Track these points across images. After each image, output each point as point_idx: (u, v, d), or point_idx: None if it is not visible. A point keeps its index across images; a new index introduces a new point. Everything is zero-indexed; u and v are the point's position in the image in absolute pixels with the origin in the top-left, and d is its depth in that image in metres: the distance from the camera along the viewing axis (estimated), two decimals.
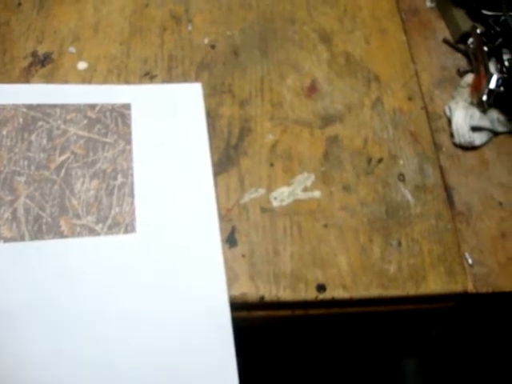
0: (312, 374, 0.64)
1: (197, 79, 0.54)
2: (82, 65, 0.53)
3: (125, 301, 0.42)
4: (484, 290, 0.47)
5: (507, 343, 0.63)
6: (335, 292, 0.45)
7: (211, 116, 0.52)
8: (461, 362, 0.66)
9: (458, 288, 0.47)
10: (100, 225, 0.45)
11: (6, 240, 0.43)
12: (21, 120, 0.49)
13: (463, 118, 0.55)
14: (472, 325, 0.59)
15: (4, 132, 0.48)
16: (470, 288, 0.47)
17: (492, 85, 0.54)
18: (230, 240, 0.46)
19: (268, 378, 0.59)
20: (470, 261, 0.49)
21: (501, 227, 0.51)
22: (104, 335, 0.40)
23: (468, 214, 0.51)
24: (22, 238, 0.43)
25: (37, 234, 0.44)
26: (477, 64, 0.57)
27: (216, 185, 0.48)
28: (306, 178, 0.50)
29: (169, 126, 0.51)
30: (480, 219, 0.51)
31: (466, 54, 0.60)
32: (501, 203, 0.52)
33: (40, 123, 0.49)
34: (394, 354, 0.66)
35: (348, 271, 0.46)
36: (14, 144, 0.48)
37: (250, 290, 0.44)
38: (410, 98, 0.57)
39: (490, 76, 0.55)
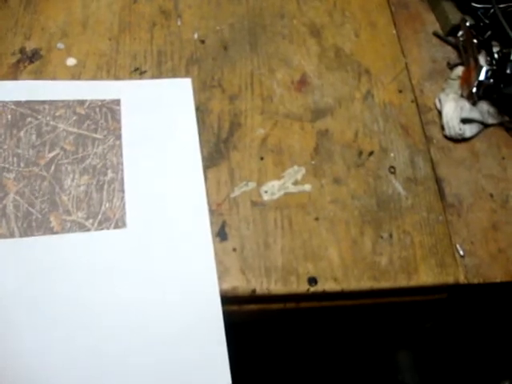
0: (305, 368, 0.64)
1: (186, 74, 0.54)
2: (70, 61, 0.53)
3: (115, 295, 0.41)
4: (475, 280, 0.48)
5: (499, 333, 0.63)
6: (326, 285, 0.45)
7: (201, 110, 0.52)
8: (454, 354, 0.66)
9: (449, 279, 0.47)
10: (90, 220, 0.45)
11: None
12: (9, 117, 0.48)
13: (453, 110, 0.55)
14: (464, 316, 0.60)
15: None
16: (462, 279, 0.47)
17: (482, 77, 0.55)
18: (220, 234, 0.46)
19: (260, 372, 0.59)
20: (461, 252, 0.49)
21: (492, 219, 0.51)
22: (95, 328, 0.40)
23: (459, 206, 0.51)
24: (11, 235, 0.43)
25: (27, 231, 0.43)
26: (466, 56, 0.58)
27: (206, 179, 0.48)
28: (297, 172, 0.50)
29: (159, 121, 0.50)
30: (471, 211, 0.51)
31: (455, 46, 0.60)
32: (491, 195, 0.52)
33: (29, 119, 0.49)
34: (387, 346, 0.66)
35: (339, 264, 0.46)
36: (2, 140, 0.47)
37: (242, 284, 0.44)
38: (400, 91, 0.57)
39: (479, 68, 0.55)
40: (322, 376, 0.65)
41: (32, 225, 0.44)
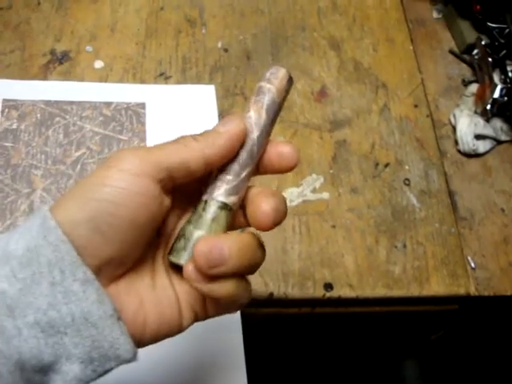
0: (314, 374, 0.64)
1: (210, 81, 0.55)
2: (98, 63, 0.54)
3: None
4: (486, 293, 0.49)
5: (508, 347, 0.64)
6: (342, 291, 0.46)
7: (223, 117, 0.53)
8: (461, 366, 0.67)
9: (460, 290, 0.48)
10: None
11: None
12: (39, 115, 0.50)
13: (467, 126, 0.56)
14: (473, 328, 0.61)
15: (22, 126, 0.49)
16: (473, 291, 0.49)
17: (496, 94, 0.56)
18: None
19: (271, 375, 0.60)
20: (472, 264, 0.50)
21: (503, 233, 0.52)
22: None
23: (471, 219, 0.53)
24: None
25: None
26: (481, 74, 0.59)
27: None
28: (315, 180, 0.51)
29: (182, 125, 0.52)
30: (482, 224, 0.53)
31: (470, 64, 0.62)
32: (503, 209, 0.54)
33: (57, 119, 0.50)
34: (395, 356, 0.67)
35: (355, 271, 0.47)
36: (31, 138, 0.49)
37: (259, 287, 0.45)
38: (416, 106, 0.58)
39: (494, 86, 0.57)
40: (331, 382, 0.66)
41: None
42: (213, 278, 0.24)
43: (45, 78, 0.52)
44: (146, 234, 0.24)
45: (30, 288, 0.21)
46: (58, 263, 0.21)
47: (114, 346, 0.21)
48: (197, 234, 0.25)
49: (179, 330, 0.26)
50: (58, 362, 0.21)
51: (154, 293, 0.25)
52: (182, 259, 0.25)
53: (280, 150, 0.27)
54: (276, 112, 0.29)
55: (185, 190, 0.27)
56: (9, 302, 0.20)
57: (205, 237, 0.25)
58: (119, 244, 0.23)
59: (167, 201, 0.25)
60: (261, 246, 0.26)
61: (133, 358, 0.22)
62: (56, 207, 0.23)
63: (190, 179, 0.25)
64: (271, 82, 0.28)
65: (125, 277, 0.25)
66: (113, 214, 0.22)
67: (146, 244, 0.25)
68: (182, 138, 0.26)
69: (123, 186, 0.23)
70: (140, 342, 0.24)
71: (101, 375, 0.22)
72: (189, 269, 0.24)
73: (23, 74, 0.51)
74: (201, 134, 0.26)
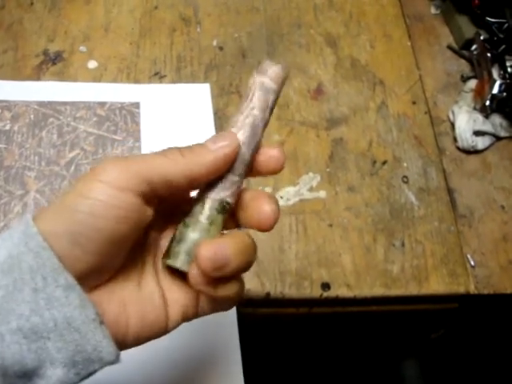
0: (312, 374, 0.64)
1: (205, 80, 0.55)
2: (92, 64, 0.54)
3: None
4: (486, 291, 0.48)
5: (508, 345, 0.63)
6: (339, 290, 0.45)
7: (219, 116, 0.53)
8: (462, 364, 0.66)
9: (460, 289, 0.48)
10: None
11: None
12: (32, 116, 0.49)
13: (466, 122, 0.56)
14: (473, 327, 0.60)
15: (15, 127, 0.49)
16: (472, 289, 0.48)
17: (495, 90, 0.55)
18: None
19: (268, 377, 0.60)
20: (472, 262, 0.49)
21: (502, 230, 0.52)
22: None
23: (470, 217, 0.52)
24: None
25: None
26: (480, 70, 0.58)
27: None
28: (312, 179, 0.51)
29: (177, 125, 0.51)
30: (482, 222, 0.52)
31: (469, 60, 0.61)
32: (503, 207, 0.53)
33: (51, 120, 0.50)
34: (395, 355, 0.66)
35: (352, 270, 0.47)
36: (25, 140, 0.48)
37: (256, 287, 0.44)
38: (414, 103, 0.58)
39: (493, 82, 0.56)
40: (330, 383, 0.66)
41: None
42: (217, 279, 0.24)
43: (38, 79, 0.51)
44: (126, 245, 0.24)
45: (12, 295, 0.21)
46: (39, 269, 0.21)
47: (97, 349, 0.21)
48: (194, 236, 0.26)
49: (164, 332, 0.26)
50: (42, 367, 0.21)
51: (138, 296, 0.25)
52: (180, 263, 0.25)
53: (268, 153, 0.27)
54: (272, 111, 0.28)
55: (170, 198, 0.26)
56: None
57: (206, 241, 0.25)
58: (98, 256, 0.23)
59: (149, 211, 0.24)
60: (255, 244, 0.26)
61: (116, 360, 0.22)
62: (39, 217, 0.22)
63: (174, 192, 0.25)
64: (273, 80, 0.27)
65: (107, 283, 0.25)
66: (92, 227, 0.22)
67: (128, 253, 0.25)
68: (169, 150, 0.25)
69: (102, 199, 0.22)
70: (122, 344, 0.24)
71: (84, 378, 0.22)
72: (194, 273, 0.24)
73: (16, 74, 0.51)
74: (189, 148, 0.25)
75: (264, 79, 0.27)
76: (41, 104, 0.50)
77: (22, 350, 0.20)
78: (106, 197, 0.22)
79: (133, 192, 0.23)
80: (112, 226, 0.23)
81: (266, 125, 0.28)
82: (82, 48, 0.54)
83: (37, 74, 0.52)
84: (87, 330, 0.21)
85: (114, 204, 0.22)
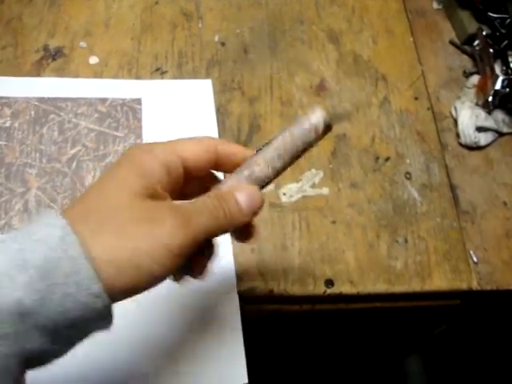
0: (316, 370, 0.64)
1: (207, 76, 0.54)
2: (93, 59, 0.53)
3: None
4: (488, 287, 0.48)
5: (510, 341, 0.63)
6: (343, 287, 0.45)
7: (221, 112, 0.52)
8: (464, 360, 0.67)
9: (462, 285, 0.48)
10: None
11: None
12: (32, 113, 0.49)
13: (469, 118, 0.55)
14: (476, 323, 0.60)
15: (16, 124, 0.48)
16: (475, 285, 0.48)
17: (498, 86, 0.55)
18: None
19: (272, 371, 0.60)
20: (474, 259, 0.49)
21: (505, 226, 0.52)
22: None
23: (473, 213, 0.52)
24: None
25: None
26: (482, 65, 0.58)
27: None
28: (315, 175, 0.50)
29: (179, 121, 0.51)
30: (484, 218, 0.52)
31: (471, 55, 0.61)
32: (505, 203, 0.53)
33: (51, 116, 0.49)
34: (398, 351, 0.67)
35: (355, 267, 0.46)
36: (25, 136, 0.48)
37: (259, 284, 0.44)
38: (416, 98, 0.57)
39: (495, 77, 0.56)
40: (333, 379, 0.66)
41: None
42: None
43: (38, 75, 0.51)
44: None
45: (44, 299, 0.21)
46: (73, 276, 0.22)
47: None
48: None
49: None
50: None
51: None
52: None
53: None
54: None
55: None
56: (22, 311, 0.21)
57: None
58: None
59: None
60: None
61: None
62: (88, 233, 0.23)
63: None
64: (311, 130, 0.29)
65: None
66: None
67: None
68: (215, 208, 0.27)
69: (161, 263, 0.24)
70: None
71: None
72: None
73: (16, 70, 0.50)
74: (228, 208, 0.28)
75: (296, 129, 0.29)
76: (41, 100, 0.50)
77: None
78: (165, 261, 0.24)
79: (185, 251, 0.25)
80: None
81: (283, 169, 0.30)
82: (83, 44, 0.54)
83: (37, 70, 0.51)
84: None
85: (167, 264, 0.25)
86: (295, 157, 0.30)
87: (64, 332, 0.22)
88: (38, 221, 0.23)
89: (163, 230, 0.24)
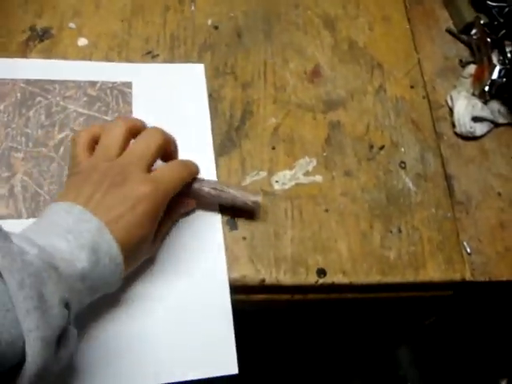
0: (307, 361, 0.64)
1: (199, 60, 0.53)
2: (82, 41, 0.52)
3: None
4: (482, 278, 0.48)
5: (501, 332, 0.63)
6: (335, 277, 0.45)
7: (213, 97, 0.51)
8: (455, 351, 0.67)
9: (456, 276, 0.47)
10: None
11: (2, 217, 0.42)
12: (19, 95, 0.47)
13: (465, 108, 0.55)
14: (467, 314, 0.60)
15: (1, 107, 0.47)
16: (468, 276, 0.47)
17: (494, 76, 0.54)
18: (230, 223, 0.45)
19: (264, 362, 0.59)
20: (468, 249, 0.49)
21: (499, 217, 0.51)
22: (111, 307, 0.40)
23: (467, 204, 0.51)
24: (19, 216, 0.42)
25: (34, 212, 0.43)
26: (479, 55, 0.57)
27: (217, 167, 0.47)
28: (308, 163, 0.50)
29: (170, 105, 0.50)
30: (479, 209, 0.51)
31: (468, 44, 0.60)
32: (500, 194, 0.53)
33: (38, 99, 0.48)
34: (389, 342, 0.66)
35: (348, 257, 0.46)
36: (11, 119, 0.46)
37: (251, 273, 0.43)
38: (412, 87, 0.57)
39: (492, 67, 0.55)
40: (325, 369, 0.65)
41: (40, 206, 0.43)
42: None
43: (24, 56, 0.49)
44: None
45: (94, 268, 0.33)
46: (108, 252, 0.34)
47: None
48: None
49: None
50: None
51: None
52: None
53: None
54: None
55: None
56: (84, 275, 0.32)
57: None
58: None
59: None
60: None
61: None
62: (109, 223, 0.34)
63: None
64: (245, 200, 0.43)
65: None
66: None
67: None
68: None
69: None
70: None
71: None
72: None
73: (1, 51, 0.49)
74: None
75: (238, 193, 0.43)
76: (28, 82, 0.48)
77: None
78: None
79: None
80: None
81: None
82: (72, 24, 0.52)
83: (23, 52, 0.50)
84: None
85: None
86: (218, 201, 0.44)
87: (99, 288, 0.34)
88: (78, 219, 0.33)
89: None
